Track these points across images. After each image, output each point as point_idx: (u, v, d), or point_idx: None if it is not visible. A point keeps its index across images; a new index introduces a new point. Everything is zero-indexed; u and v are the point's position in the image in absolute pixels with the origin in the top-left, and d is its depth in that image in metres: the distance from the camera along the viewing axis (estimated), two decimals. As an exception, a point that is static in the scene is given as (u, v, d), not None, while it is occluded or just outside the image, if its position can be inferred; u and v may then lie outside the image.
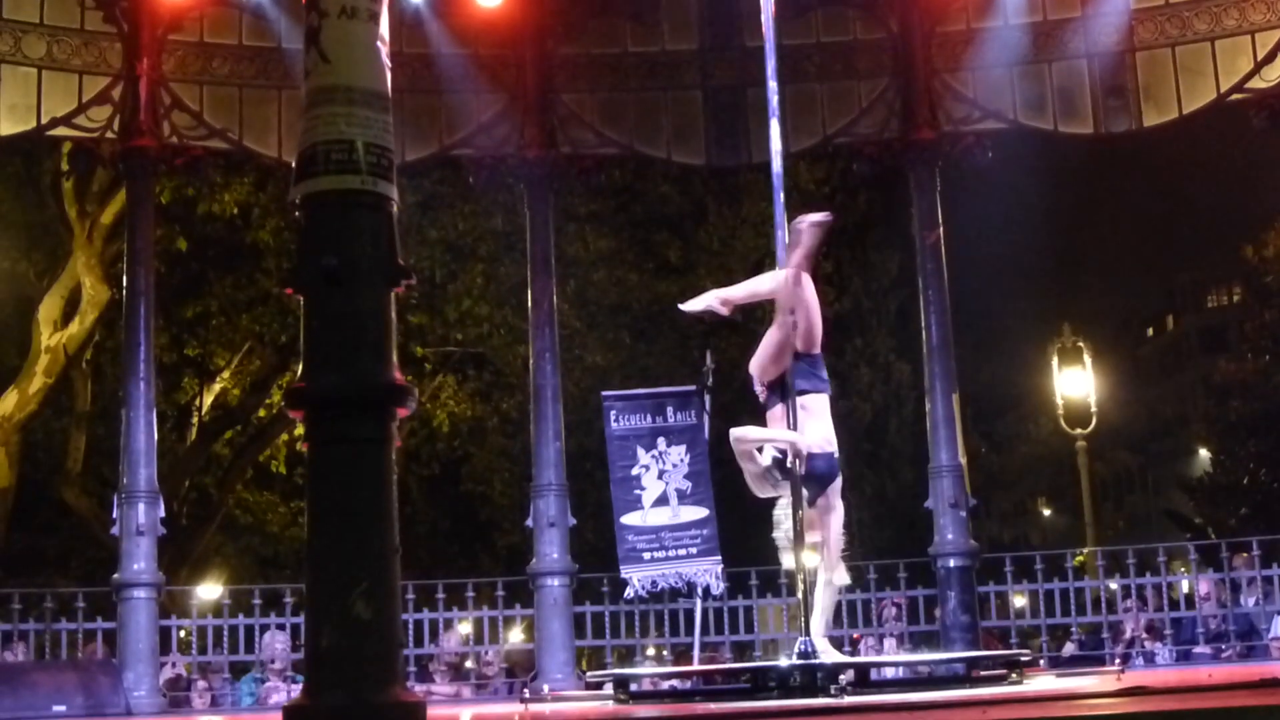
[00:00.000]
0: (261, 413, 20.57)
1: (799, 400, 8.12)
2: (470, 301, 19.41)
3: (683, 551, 11.43)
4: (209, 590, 15.47)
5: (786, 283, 8.25)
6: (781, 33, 9.21)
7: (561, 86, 12.28)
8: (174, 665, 12.09)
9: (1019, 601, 12.84)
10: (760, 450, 8.17)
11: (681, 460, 11.51)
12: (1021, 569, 12.30)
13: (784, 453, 8.02)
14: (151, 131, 11.58)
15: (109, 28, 11.63)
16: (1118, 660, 11.10)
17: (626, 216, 20.56)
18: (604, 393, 12.20)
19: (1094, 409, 20.39)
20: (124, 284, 11.67)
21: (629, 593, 11.42)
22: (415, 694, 5.31)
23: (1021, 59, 12.07)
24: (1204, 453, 36.70)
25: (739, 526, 11.43)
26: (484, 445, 21.57)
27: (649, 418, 11.61)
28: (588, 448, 16.00)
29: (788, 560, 8.21)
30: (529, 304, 12.12)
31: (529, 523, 11.73)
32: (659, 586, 11.49)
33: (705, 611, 11.79)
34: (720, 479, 11.44)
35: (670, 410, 11.61)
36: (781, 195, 8.35)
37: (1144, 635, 12.05)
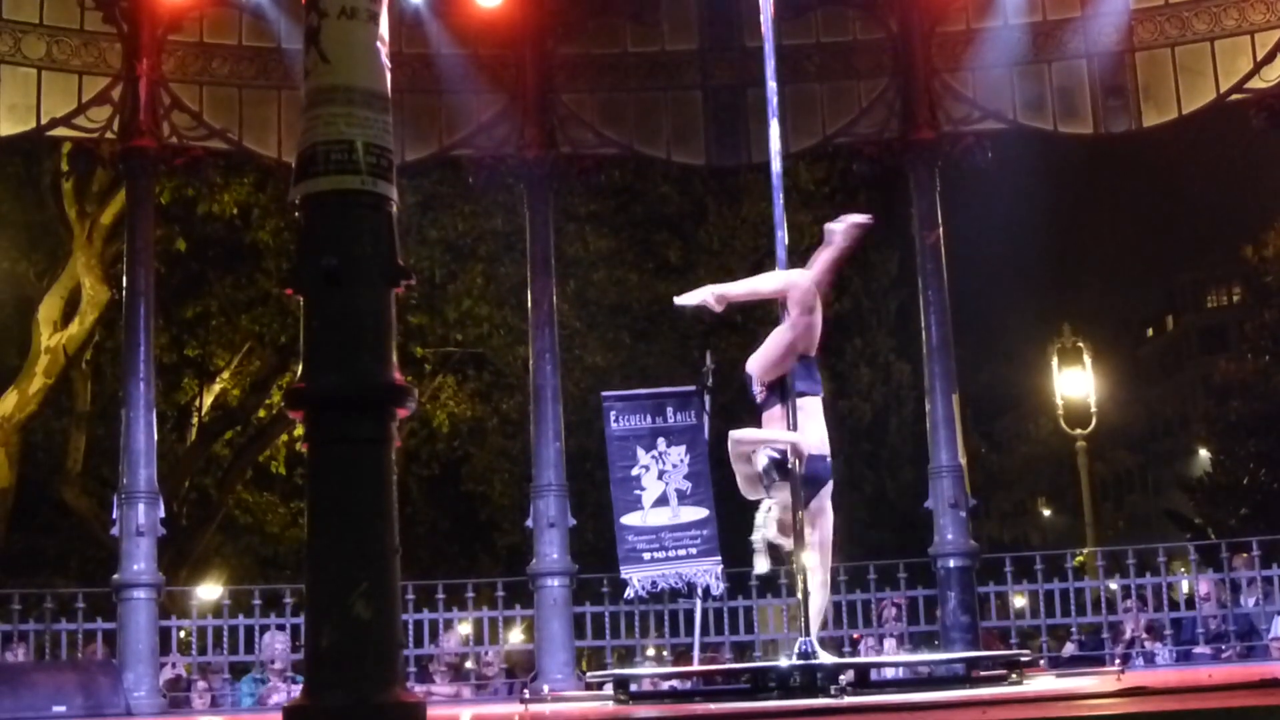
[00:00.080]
0: (261, 413, 20.57)
1: (797, 402, 8.11)
2: (470, 301, 19.41)
3: (683, 552, 11.43)
4: (209, 590, 15.47)
5: (809, 284, 8.19)
6: (781, 33, 9.22)
7: (561, 86, 12.28)
8: (174, 666, 12.09)
9: (1019, 602, 12.84)
10: (754, 454, 8.15)
11: (681, 460, 11.51)
12: (1021, 569, 12.30)
13: (784, 454, 8.02)
14: (151, 132, 11.58)
15: (109, 28, 11.63)
16: (1118, 660, 11.10)
17: (626, 216, 20.56)
18: (604, 393, 12.20)
19: (1094, 409, 20.38)
20: (124, 284, 11.67)
21: (629, 593, 11.42)
22: (415, 694, 5.31)
23: (1021, 59, 12.07)
24: (1204, 453, 36.70)
25: (739, 527, 11.39)
26: (484, 445, 21.57)
27: (649, 418, 11.61)
28: (588, 448, 16.00)
29: (761, 564, 8.25)
30: (529, 304, 12.12)
31: (529, 523, 11.72)
32: (659, 587, 11.49)
33: (705, 612, 11.79)
34: (720, 479, 11.40)
35: (670, 410, 11.61)
36: (781, 195, 8.35)
37: (1144, 635, 12.04)
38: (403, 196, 5.28)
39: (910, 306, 17.25)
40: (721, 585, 11.51)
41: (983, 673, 8.57)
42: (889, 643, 12.30)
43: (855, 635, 12.32)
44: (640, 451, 11.50)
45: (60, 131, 11.75)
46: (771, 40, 8.56)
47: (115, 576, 11.03)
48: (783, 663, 8.02)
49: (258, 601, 11.92)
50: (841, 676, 7.76)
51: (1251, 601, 12.05)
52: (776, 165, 8.39)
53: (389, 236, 5.04)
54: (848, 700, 6.89)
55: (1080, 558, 19.53)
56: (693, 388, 11.81)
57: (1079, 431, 20.42)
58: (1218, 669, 10.20)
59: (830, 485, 8.26)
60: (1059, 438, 25.31)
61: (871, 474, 25.76)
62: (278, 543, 22.12)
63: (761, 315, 16.70)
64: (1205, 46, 11.80)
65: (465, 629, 13.16)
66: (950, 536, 11.41)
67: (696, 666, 10.97)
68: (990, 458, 31.86)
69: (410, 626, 11.62)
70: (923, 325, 11.91)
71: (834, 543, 8.32)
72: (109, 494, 12.36)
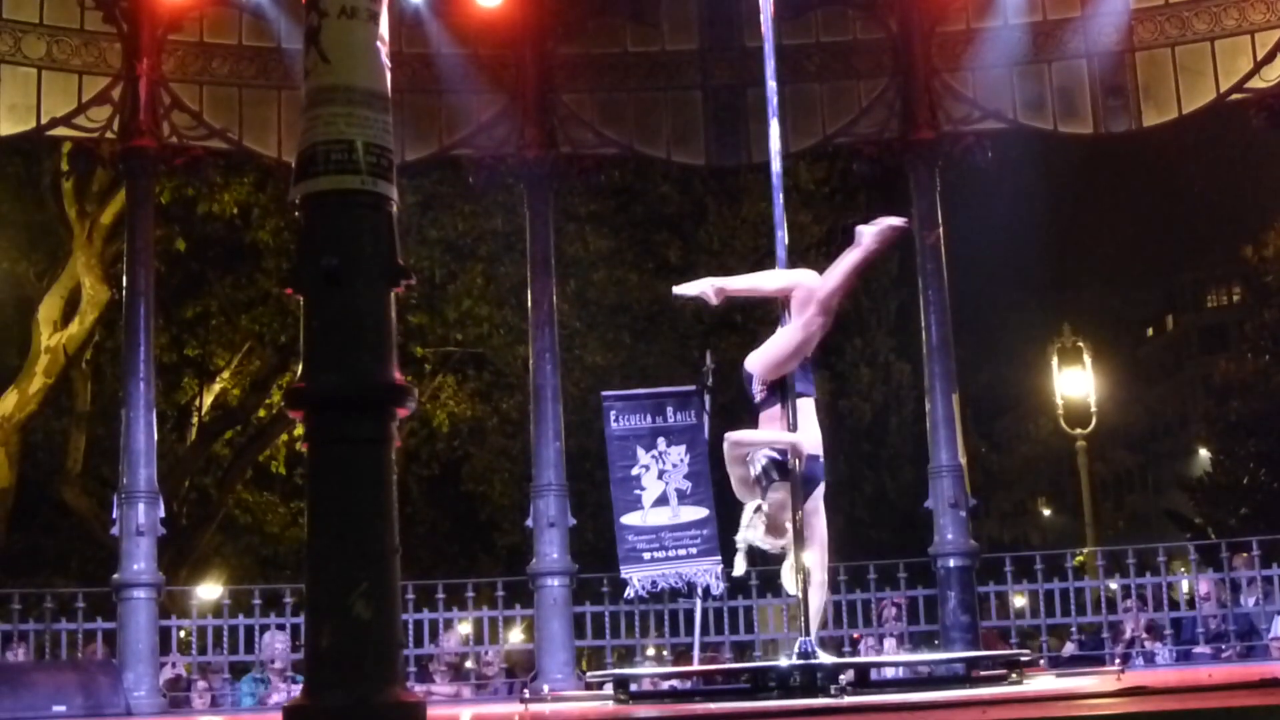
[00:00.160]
0: (261, 413, 20.57)
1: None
2: (470, 301, 19.41)
3: (683, 551, 11.43)
4: (209, 590, 15.47)
5: (826, 290, 8.03)
6: (781, 33, 9.22)
7: (561, 86, 12.28)
8: (174, 665, 12.09)
9: (1019, 601, 12.84)
10: (750, 457, 8.13)
11: (681, 460, 11.51)
12: (1021, 569, 12.30)
13: (783, 454, 8.01)
14: (151, 131, 11.58)
15: (109, 28, 11.62)
16: (1118, 660, 11.10)
17: (626, 216, 20.57)
18: (604, 393, 12.20)
19: (1094, 409, 20.38)
20: (124, 284, 11.67)
21: (629, 593, 11.42)
22: (415, 694, 5.31)
23: (1021, 59, 12.07)
24: (1204, 453, 36.71)
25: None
26: (484, 445, 21.56)
27: (649, 418, 11.61)
28: (588, 448, 15.99)
29: (740, 566, 8.24)
30: (529, 304, 12.12)
31: (529, 523, 11.73)
32: (659, 586, 11.49)
33: (705, 612, 11.79)
34: (720, 479, 11.33)
35: (670, 410, 11.61)
36: (781, 195, 8.34)
37: (1144, 635, 12.05)
38: (403, 196, 5.28)
39: (910, 306, 17.24)
40: (721, 585, 11.51)
41: (983, 672, 8.56)
42: (889, 642, 12.30)
43: (855, 635, 12.33)
44: (640, 451, 11.50)
45: (60, 131, 11.74)
46: (771, 40, 8.54)
47: (115, 576, 11.03)
48: (783, 662, 8.02)
49: (258, 601, 11.93)
50: (841, 676, 7.76)
51: (1251, 601, 12.05)
52: (776, 165, 8.38)
53: (389, 236, 5.04)
54: (848, 700, 6.89)
55: (1080, 557, 19.51)
56: (693, 387, 11.81)
57: (1079, 431, 20.42)
58: (1218, 669, 10.20)
59: (823, 486, 8.27)
60: (1059, 438, 25.30)
61: (871, 474, 25.75)
62: (278, 542, 22.12)
63: (761, 315, 16.72)
64: (1205, 46, 11.80)
65: (465, 629, 13.17)
66: (950, 536, 11.42)
67: (696, 666, 10.97)
68: (990, 458, 31.84)
69: (410, 626, 11.63)
70: (923, 325, 11.91)
71: (831, 542, 8.32)
72: (109, 494, 12.36)
